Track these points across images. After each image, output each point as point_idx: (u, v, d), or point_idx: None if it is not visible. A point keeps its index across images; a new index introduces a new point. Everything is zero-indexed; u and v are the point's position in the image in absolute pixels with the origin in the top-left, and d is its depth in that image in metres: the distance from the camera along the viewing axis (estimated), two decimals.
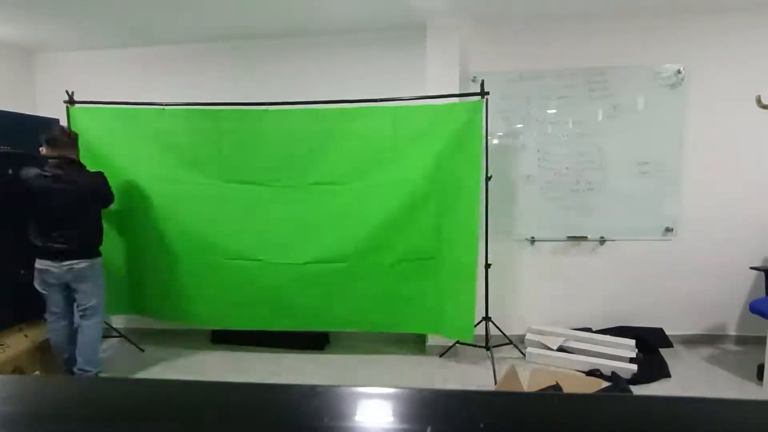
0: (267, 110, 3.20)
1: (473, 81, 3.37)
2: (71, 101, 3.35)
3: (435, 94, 3.09)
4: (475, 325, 3.36)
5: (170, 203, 3.34)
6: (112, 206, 3.25)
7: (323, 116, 3.16)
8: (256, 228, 3.29)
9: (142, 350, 3.62)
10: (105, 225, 3.45)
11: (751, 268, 3.31)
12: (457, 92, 3.18)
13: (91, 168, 3.42)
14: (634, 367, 3.04)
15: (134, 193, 3.34)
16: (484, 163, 3.11)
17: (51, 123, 3.32)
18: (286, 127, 3.21)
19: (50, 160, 2.78)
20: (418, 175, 3.09)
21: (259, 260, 3.30)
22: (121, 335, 3.74)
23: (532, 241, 3.55)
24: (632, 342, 3.25)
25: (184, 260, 3.39)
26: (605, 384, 2.89)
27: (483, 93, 3.00)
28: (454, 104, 3.11)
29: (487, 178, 3.12)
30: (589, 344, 3.28)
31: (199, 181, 3.30)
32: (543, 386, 2.73)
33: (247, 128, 3.24)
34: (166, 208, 3.35)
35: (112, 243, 3.48)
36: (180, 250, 3.38)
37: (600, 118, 3.40)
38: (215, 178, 3.29)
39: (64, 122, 3.38)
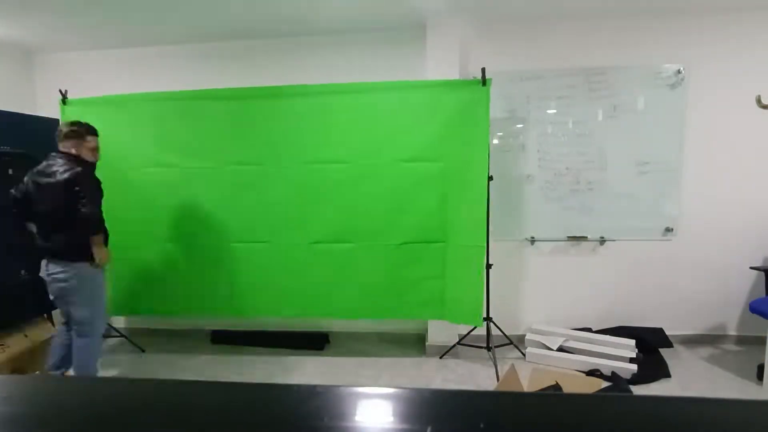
0: (265, 87, 3.20)
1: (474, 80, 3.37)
2: (64, 100, 3.34)
3: (433, 93, 3.09)
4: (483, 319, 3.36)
5: (169, 190, 3.34)
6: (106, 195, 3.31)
7: (324, 90, 3.13)
8: (260, 210, 3.29)
9: (143, 350, 3.62)
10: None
11: (751, 268, 3.31)
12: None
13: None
14: (634, 367, 3.03)
15: (131, 181, 3.34)
16: (492, 143, 3.13)
17: (50, 123, 3.32)
18: (286, 104, 3.19)
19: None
20: (423, 153, 3.09)
21: (266, 242, 3.31)
22: (121, 335, 3.75)
23: (532, 241, 3.55)
24: (632, 342, 3.25)
25: (187, 247, 3.39)
26: (605, 384, 2.89)
27: (484, 80, 3.00)
28: (459, 81, 3.13)
29: (488, 178, 3.12)
30: (589, 344, 3.28)
31: (198, 165, 3.29)
32: (543, 386, 2.74)
33: (245, 108, 3.23)
34: (165, 195, 3.35)
35: (110, 236, 3.47)
36: (183, 237, 3.39)
37: (600, 118, 3.40)
38: (215, 161, 3.28)
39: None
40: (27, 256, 2.95)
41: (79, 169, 2.54)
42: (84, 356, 2.78)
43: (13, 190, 2.69)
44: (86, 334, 2.74)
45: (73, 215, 2.52)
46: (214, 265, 3.38)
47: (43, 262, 2.66)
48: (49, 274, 2.63)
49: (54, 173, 2.53)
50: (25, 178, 2.65)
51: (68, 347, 2.81)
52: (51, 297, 2.72)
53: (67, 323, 2.80)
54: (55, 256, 2.61)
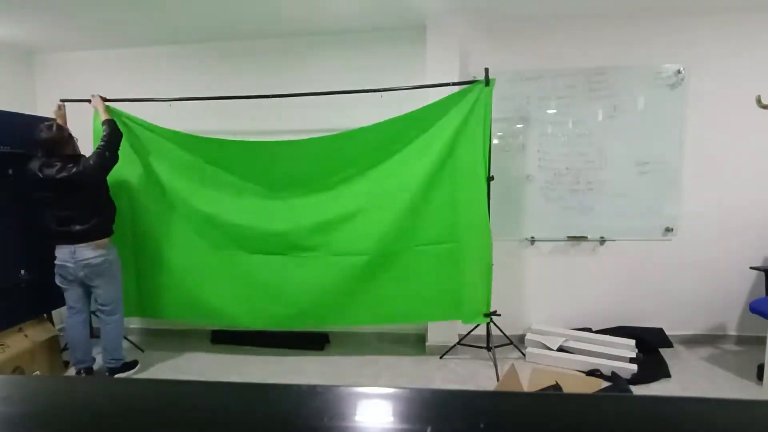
0: (278, 142, 3.23)
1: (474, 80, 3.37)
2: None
3: (435, 94, 3.10)
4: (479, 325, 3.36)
5: (184, 203, 3.33)
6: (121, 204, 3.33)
7: (336, 139, 3.18)
8: (277, 223, 3.27)
9: (142, 350, 3.62)
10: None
11: (751, 268, 3.30)
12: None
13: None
14: (634, 367, 3.03)
15: (133, 187, 3.34)
16: (492, 143, 3.12)
17: (50, 123, 3.32)
18: (300, 150, 3.22)
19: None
20: (431, 161, 3.09)
21: (284, 255, 3.30)
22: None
23: (532, 241, 3.55)
24: (632, 342, 3.24)
25: (201, 258, 3.36)
26: (605, 384, 2.89)
27: (487, 80, 3.00)
28: (462, 81, 3.13)
29: (489, 179, 3.12)
30: (589, 344, 3.28)
31: (214, 179, 3.30)
32: (543, 386, 2.73)
33: (257, 154, 3.26)
34: (167, 200, 3.34)
35: (119, 242, 3.47)
36: (189, 245, 3.37)
37: (600, 118, 3.40)
38: (230, 181, 3.30)
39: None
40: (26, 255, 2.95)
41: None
42: (117, 333, 3.17)
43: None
44: (116, 311, 3.12)
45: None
46: (224, 276, 3.35)
47: (69, 249, 2.90)
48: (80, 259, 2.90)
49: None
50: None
51: (87, 337, 3.14)
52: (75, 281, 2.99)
53: (79, 311, 3.08)
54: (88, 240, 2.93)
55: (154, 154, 3.31)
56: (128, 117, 3.28)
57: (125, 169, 3.27)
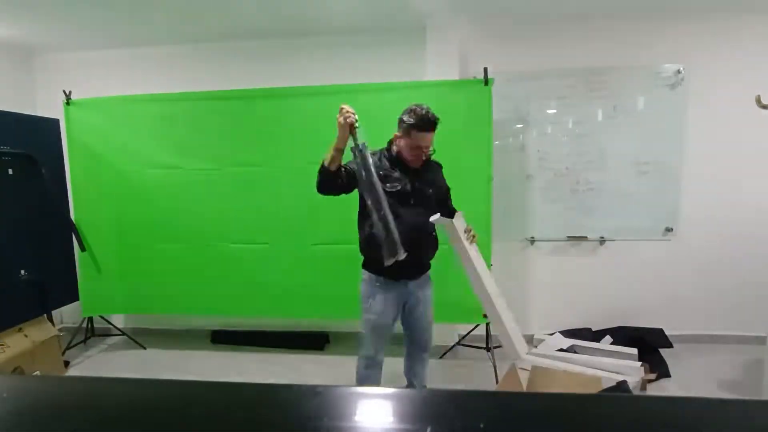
0: (268, 88, 3.22)
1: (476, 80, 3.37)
2: (68, 101, 3.35)
3: (435, 93, 3.09)
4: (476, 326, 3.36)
5: (170, 190, 3.35)
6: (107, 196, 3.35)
7: (326, 90, 3.13)
8: (260, 212, 3.29)
9: (144, 347, 3.62)
10: (102, 217, 3.45)
11: None
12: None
13: (87, 161, 3.40)
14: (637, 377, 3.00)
15: (133, 182, 3.36)
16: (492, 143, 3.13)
17: (51, 123, 3.33)
18: (289, 105, 3.19)
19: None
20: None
21: (266, 244, 3.32)
22: (122, 333, 3.75)
23: (532, 241, 3.55)
24: (634, 351, 3.19)
25: (188, 248, 3.39)
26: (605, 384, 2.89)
27: (486, 80, 3.01)
28: (461, 81, 3.15)
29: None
30: (590, 351, 3.25)
31: (200, 167, 3.31)
32: (543, 386, 2.73)
33: (248, 109, 3.25)
34: (166, 195, 3.36)
35: (110, 236, 3.48)
36: (183, 237, 3.39)
37: (600, 118, 3.40)
38: (216, 162, 3.30)
39: (64, 122, 3.39)
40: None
41: None
42: None
43: None
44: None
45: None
46: (215, 266, 3.38)
47: None
48: None
49: None
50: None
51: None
52: None
53: None
54: None
55: (131, 141, 3.34)
56: (106, 101, 3.35)
57: (107, 167, 3.34)
